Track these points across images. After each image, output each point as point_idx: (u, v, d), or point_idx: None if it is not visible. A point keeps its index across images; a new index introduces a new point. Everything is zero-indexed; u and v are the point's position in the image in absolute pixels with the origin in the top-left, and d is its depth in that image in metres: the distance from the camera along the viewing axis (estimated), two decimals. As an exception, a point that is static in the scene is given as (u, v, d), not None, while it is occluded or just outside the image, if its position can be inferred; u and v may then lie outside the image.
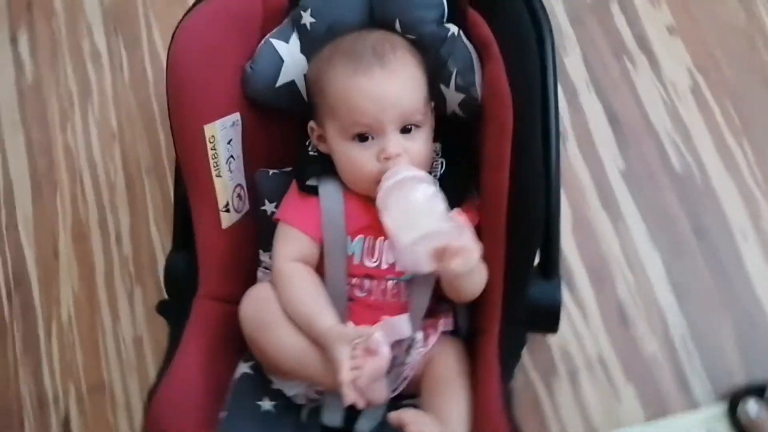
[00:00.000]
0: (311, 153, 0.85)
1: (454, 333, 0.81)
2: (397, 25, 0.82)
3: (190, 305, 0.81)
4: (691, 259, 0.93)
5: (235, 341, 0.80)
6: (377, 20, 0.85)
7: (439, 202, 0.71)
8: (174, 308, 0.84)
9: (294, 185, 0.83)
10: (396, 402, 0.78)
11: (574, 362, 0.91)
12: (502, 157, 0.73)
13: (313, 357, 0.73)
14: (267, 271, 0.86)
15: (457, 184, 0.82)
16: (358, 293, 0.79)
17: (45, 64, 1.23)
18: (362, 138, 0.77)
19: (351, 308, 0.78)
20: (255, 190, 0.88)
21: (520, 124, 0.72)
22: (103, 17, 1.22)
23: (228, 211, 0.83)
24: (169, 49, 0.78)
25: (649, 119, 0.99)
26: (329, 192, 0.81)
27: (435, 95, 0.83)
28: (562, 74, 1.01)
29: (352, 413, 0.75)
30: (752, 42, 1.00)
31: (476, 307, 0.79)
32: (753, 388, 0.84)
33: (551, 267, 0.73)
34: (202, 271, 0.82)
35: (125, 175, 1.13)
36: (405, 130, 0.77)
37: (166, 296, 0.86)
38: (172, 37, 0.78)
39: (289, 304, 0.76)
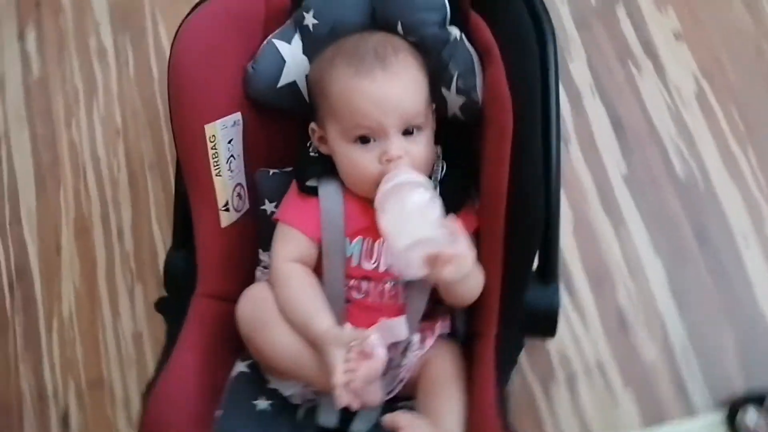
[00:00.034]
0: (312, 154, 0.85)
1: (451, 336, 0.82)
2: (399, 28, 0.82)
3: (188, 303, 0.81)
4: (693, 266, 0.92)
5: (232, 340, 0.80)
6: (379, 22, 0.85)
7: (435, 208, 0.71)
8: (172, 306, 0.84)
9: (294, 186, 0.83)
10: (391, 404, 0.78)
11: (573, 367, 0.91)
12: (501, 159, 0.72)
13: (308, 358, 0.73)
14: (266, 270, 0.86)
15: (458, 186, 0.82)
16: (355, 295, 0.79)
17: (52, 60, 1.24)
18: (364, 140, 0.77)
19: (348, 310, 0.78)
20: (255, 190, 0.89)
21: (520, 125, 0.71)
22: (110, 15, 1.23)
23: (227, 210, 0.83)
24: (171, 49, 0.79)
25: (653, 124, 0.99)
26: (329, 193, 0.81)
27: (436, 98, 0.82)
28: (566, 78, 1.01)
29: (347, 414, 0.75)
30: (758, 47, 0.99)
31: (474, 310, 0.79)
32: (752, 396, 0.83)
33: (550, 270, 0.73)
34: (201, 270, 0.82)
35: (128, 172, 1.13)
36: (406, 132, 0.77)
37: (165, 293, 0.87)
38: (175, 37, 0.79)
39: (286, 305, 0.76)
